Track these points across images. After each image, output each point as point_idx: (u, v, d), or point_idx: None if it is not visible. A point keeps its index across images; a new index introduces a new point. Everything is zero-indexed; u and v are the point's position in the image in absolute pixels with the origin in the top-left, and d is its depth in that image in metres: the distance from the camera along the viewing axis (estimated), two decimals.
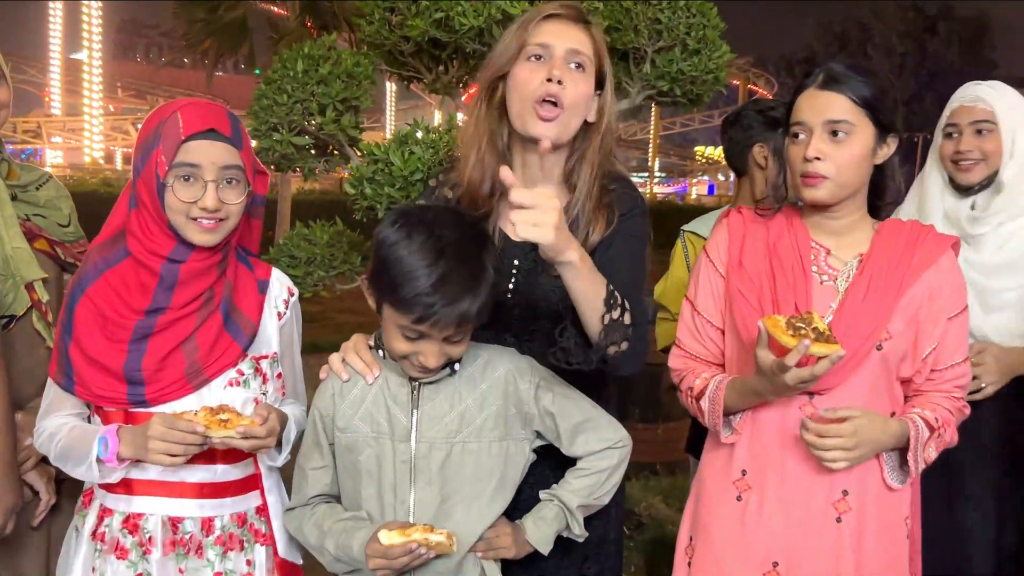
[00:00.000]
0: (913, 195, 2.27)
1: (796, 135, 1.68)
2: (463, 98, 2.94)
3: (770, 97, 34.90)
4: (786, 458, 1.68)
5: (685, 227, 2.70)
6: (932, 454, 1.66)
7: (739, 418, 1.74)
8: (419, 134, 2.62)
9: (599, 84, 1.68)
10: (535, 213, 1.33)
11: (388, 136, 2.84)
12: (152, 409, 1.57)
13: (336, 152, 2.91)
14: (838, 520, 1.66)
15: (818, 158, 1.63)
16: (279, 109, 2.73)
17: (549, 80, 1.59)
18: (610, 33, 2.75)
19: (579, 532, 1.62)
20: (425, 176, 2.42)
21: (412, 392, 1.57)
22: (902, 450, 1.66)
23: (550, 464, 1.66)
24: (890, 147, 1.69)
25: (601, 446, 1.61)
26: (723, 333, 1.80)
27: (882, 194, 1.76)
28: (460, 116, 2.64)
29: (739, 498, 1.73)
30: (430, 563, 1.52)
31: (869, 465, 1.66)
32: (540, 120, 1.60)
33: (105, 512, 1.65)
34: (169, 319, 1.59)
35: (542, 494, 1.63)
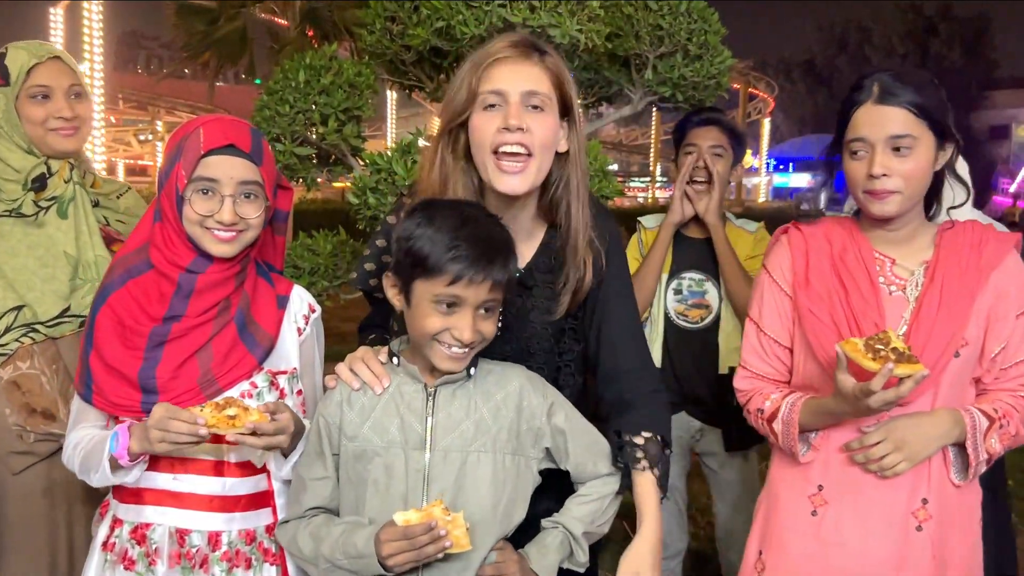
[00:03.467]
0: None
1: (855, 151, 1.66)
2: None
3: (771, 101, 34.89)
4: (862, 471, 1.66)
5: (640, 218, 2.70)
6: (996, 446, 1.63)
7: (816, 436, 1.72)
8: (421, 142, 2.63)
9: (566, 111, 1.60)
10: None
11: (390, 145, 2.84)
12: None
13: (338, 162, 2.92)
14: (919, 529, 1.65)
15: (885, 175, 1.62)
16: (281, 120, 2.73)
17: (506, 129, 1.52)
18: (611, 39, 2.75)
19: (583, 560, 1.59)
20: None
21: (427, 399, 1.54)
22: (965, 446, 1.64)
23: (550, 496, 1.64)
24: (947, 152, 1.67)
25: (608, 469, 1.61)
26: (791, 352, 1.78)
27: (936, 198, 1.74)
28: None
29: (814, 513, 1.71)
30: (440, 570, 1.48)
31: (944, 473, 1.66)
32: (504, 174, 1.54)
33: (116, 523, 1.66)
34: (185, 327, 1.60)
35: (544, 522, 1.60)
